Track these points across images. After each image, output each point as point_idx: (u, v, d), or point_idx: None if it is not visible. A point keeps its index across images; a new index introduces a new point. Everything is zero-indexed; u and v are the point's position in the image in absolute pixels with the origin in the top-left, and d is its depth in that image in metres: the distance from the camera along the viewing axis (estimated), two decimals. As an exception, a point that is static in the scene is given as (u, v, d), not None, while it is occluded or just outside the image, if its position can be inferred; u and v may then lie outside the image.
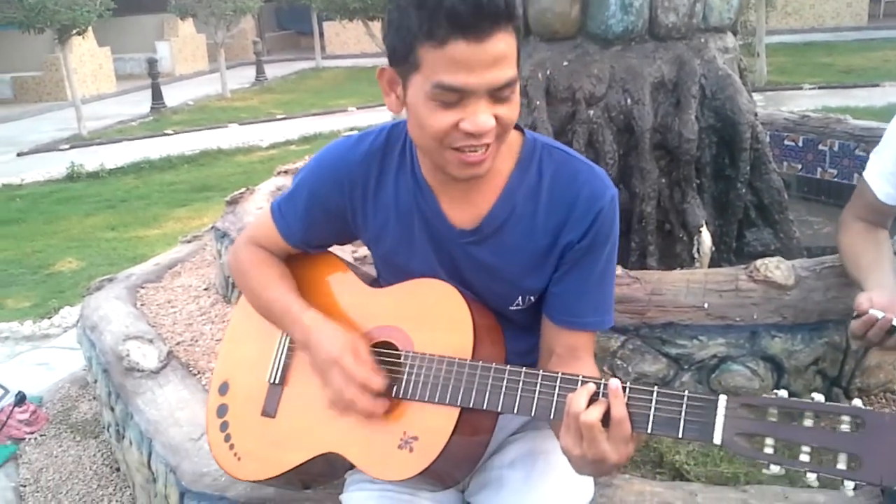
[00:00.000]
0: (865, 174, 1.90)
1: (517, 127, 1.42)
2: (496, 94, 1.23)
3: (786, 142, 4.21)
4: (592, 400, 1.20)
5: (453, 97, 1.21)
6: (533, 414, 1.29)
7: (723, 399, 1.14)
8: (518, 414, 1.31)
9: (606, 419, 1.18)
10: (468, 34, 1.17)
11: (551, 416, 1.27)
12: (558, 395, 1.27)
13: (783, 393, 1.13)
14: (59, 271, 6.02)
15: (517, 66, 1.26)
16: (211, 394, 1.70)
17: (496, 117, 1.24)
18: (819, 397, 1.12)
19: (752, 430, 1.12)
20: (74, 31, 11.74)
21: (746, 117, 2.91)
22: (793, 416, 1.11)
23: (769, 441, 1.10)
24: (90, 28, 12.29)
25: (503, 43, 1.20)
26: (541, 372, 1.29)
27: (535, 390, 1.29)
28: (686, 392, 1.17)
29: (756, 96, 3.40)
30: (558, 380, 1.28)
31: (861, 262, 1.85)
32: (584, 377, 1.26)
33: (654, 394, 1.19)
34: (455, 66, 1.19)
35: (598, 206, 1.37)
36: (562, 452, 1.38)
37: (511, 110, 1.26)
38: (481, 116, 1.22)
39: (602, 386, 1.22)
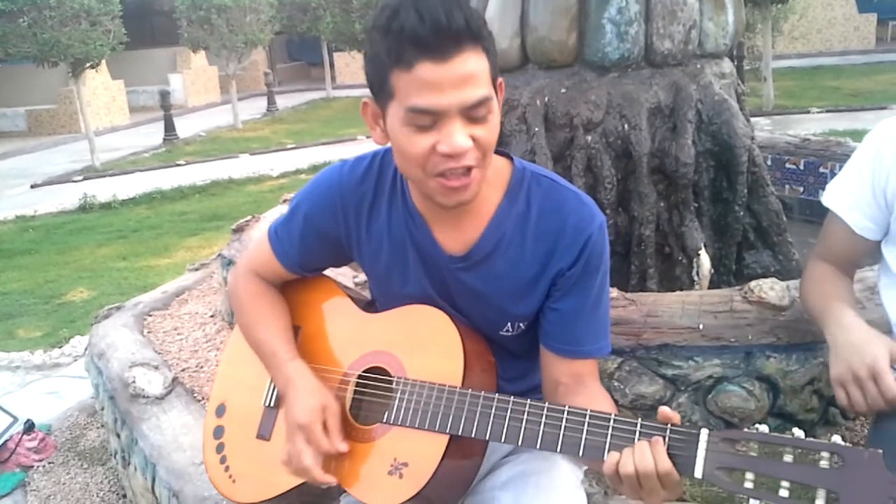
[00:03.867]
0: (834, 209, 1.71)
1: (507, 155, 1.45)
2: (470, 115, 1.24)
3: (787, 165, 4.24)
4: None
5: (427, 119, 1.23)
6: (520, 443, 1.30)
7: (704, 433, 1.16)
8: (505, 442, 1.32)
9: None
10: (433, 55, 1.19)
11: (537, 446, 1.28)
12: (545, 423, 1.28)
13: (764, 428, 1.15)
14: (70, 301, 6.08)
15: (494, 86, 1.28)
16: (208, 416, 1.72)
17: (473, 139, 1.25)
18: (799, 433, 1.14)
19: (732, 464, 1.13)
20: (88, 65, 11.91)
21: (743, 141, 2.95)
22: (773, 451, 1.12)
23: (749, 475, 1.12)
24: (103, 61, 12.49)
25: (471, 62, 1.22)
26: (528, 402, 1.31)
27: (522, 419, 1.30)
28: (669, 426, 1.18)
29: (763, 120, 3.44)
30: (545, 409, 1.29)
31: (827, 291, 1.70)
32: (570, 408, 1.27)
33: (638, 426, 1.20)
34: (424, 88, 1.21)
35: (587, 234, 1.38)
36: (558, 476, 1.41)
37: (488, 131, 1.27)
38: (456, 137, 1.23)
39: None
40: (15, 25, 11.26)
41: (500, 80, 1.32)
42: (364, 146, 12.32)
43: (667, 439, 1.18)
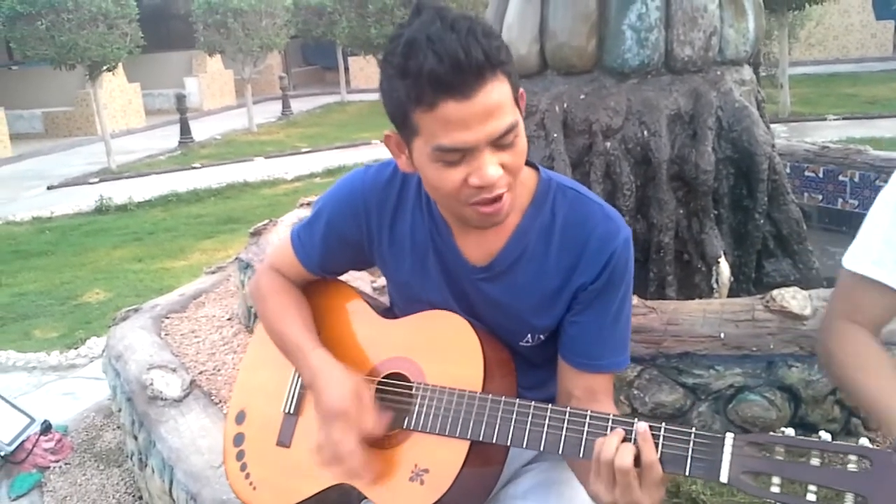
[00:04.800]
0: (859, 269, 1.48)
1: (533, 165, 1.44)
2: (498, 143, 1.22)
3: (806, 173, 4.22)
4: (623, 443, 1.20)
5: (455, 156, 1.21)
6: (542, 448, 1.29)
7: (729, 437, 1.14)
8: (527, 448, 1.31)
9: (636, 463, 1.18)
10: (455, 93, 1.16)
11: (560, 451, 1.27)
12: (567, 429, 1.27)
13: (790, 431, 1.13)
14: (86, 302, 6.11)
15: (518, 106, 1.26)
16: (228, 422, 1.72)
17: (503, 166, 1.23)
18: (826, 436, 1.12)
19: (758, 468, 1.12)
20: (105, 68, 11.97)
21: (763, 148, 2.93)
22: (800, 454, 1.11)
23: (776, 479, 1.10)
24: (120, 64, 12.56)
25: (494, 92, 1.19)
26: (550, 406, 1.30)
27: (544, 424, 1.29)
28: (693, 430, 1.17)
29: (780, 127, 3.43)
30: (567, 414, 1.28)
31: (885, 383, 1.42)
32: (592, 412, 1.26)
33: (662, 430, 1.19)
34: (450, 127, 1.18)
35: (611, 248, 1.36)
36: (580, 487, 1.39)
37: (516, 155, 1.25)
38: (488, 169, 1.21)
39: (625, 428, 1.21)
40: (33, 28, 11.35)
41: (520, 91, 1.29)
42: (379, 150, 12.35)
43: (691, 443, 1.17)
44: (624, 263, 1.39)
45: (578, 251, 1.38)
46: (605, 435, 1.23)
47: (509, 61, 1.23)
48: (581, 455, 1.26)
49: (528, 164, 1.44)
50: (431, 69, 1.15)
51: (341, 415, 1.40)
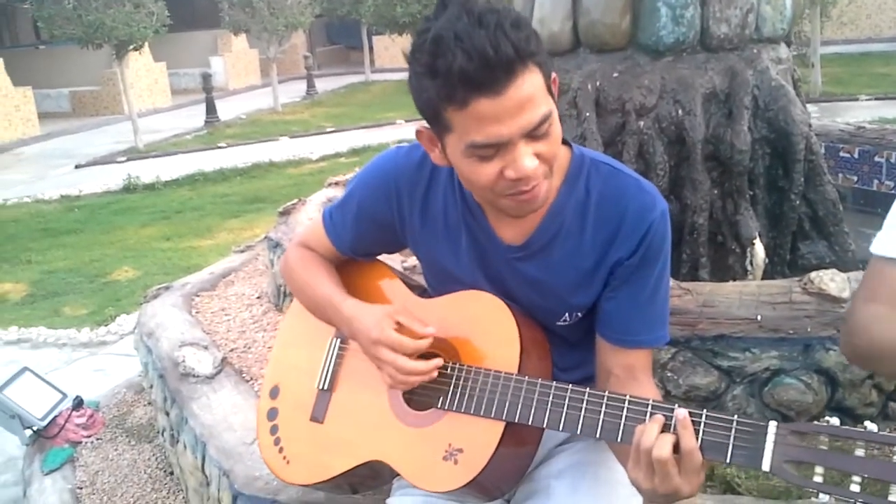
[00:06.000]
0: (888, 252, 1.38)
1: (566, 142, 1.41)
2: (533, 134, 1.20)
3: (841, 153, 4.15)
4: (663, 432, 1.19)
5: (490, 151, 1.20)
6: (579, 431, 1.28)
7: (772, 425, 1.13)
8: (563, 430, 1.31)
9: (675, 450, 1.17)
10: (486, 90, 1.15)
11: (597, 435, 1.26)
12: (605, 413, 1.26)
13: (835, 420, 1.12)
14: (115, 280, 6.17)
15: (551, 93, 1.23)
16: (262, 397, 1.73)
17: (539, 155, 1.22)
18: (872, 426, 1.10)
19: (801, 457, 1.10)
20: (131, 47, 12.05)
21: (800, 128, 2.88)
22: (844, 445, 1.09)
23: (819, 469, 1.09)
24: (146, 44, 12.61)
25: (526, 85, 1.17)
26: (587, 389, 1.29)
27: (581, 407, 1.28)
28: (735, 417, 1.15)
29: (811, 107, 3.37)
30: (605, 398, 1.27)
31: None
32: (631, 397, 1.25)
33: (703, 417, 1.18)
34: (483, 123, 1.17)
35: (648, 222, 1.35)
36: (615, 467, 1.38)
37: (551, 144, 1.24)
38: (524, 161, 1.20)
39: (664, 414, 1.20)
40: (60, 7, 11.43)
41: (553, 76, 1.27)
42: (403, 130, 12.34)
43: (733, 431, 1.15)
44: (661, 237, 1.37)
45: (615, 226, 1.36)
46: (644, 421, 1.22)
47: (540, 51, 1.20)
48: (620, 440, 1.25)
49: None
50: (461, 68, 1.13)
51: (380, 341, 1.41)
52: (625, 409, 1.25)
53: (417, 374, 1.39)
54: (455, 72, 1.14)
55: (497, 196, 1.27)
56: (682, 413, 1.18)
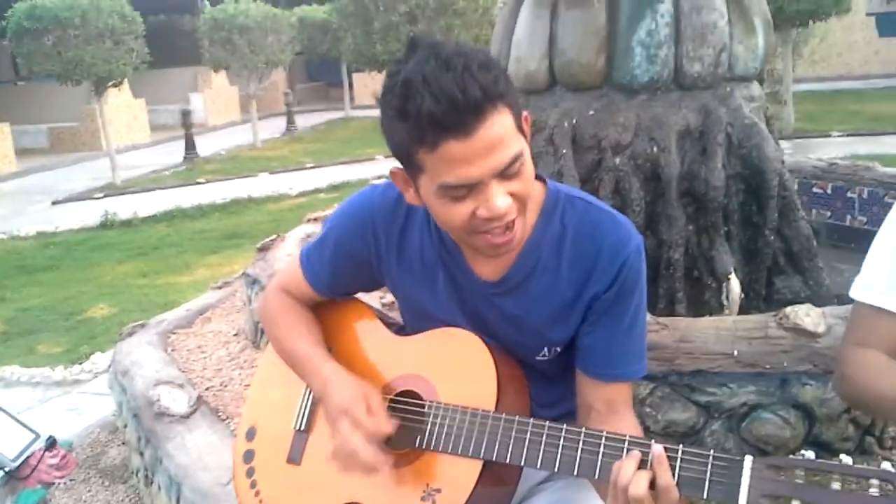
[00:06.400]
0: (868, 299, 1.45)
1: (540, 178, 1.42)
2: (504, 174, 1.21)
3: (814, 189, 4.21)
4: (639, 469, 1.19)
5: (462, 192, 1.21)
6: (557, 469, 1.27)
7: (748, 459, 1.13)
8: (541, 468, 1.30)
9: (652, 486, 1.17)
10: (455, 132, 1.16)
11: (575, 472, 1.26)
12: (581, 449, 1.25)
13: (810, 454, 1.12)
14: (90, 317, 6.09)
15: (522, 132, 1.24)
16: (238, 439, 1.71)
17: (512, 194, 1.23)
18: (847, 459, 1.11)
19: (778, 491, 1.10)
20: (111, 84, 12.02)
21: (773, 165, 2.93)
22: (821, 478, 1.10)
23: (795, 503, 1.09)
24: (126, 80, 12.61)
25: (495, 126, 1.18)
26: (564, 426, 1.28)
27: (558, 444, 1.28)
28: (711, 452, 1.16)
29: (784, 144, 3.42)
30: (582, 434, 1.26)
31: None
32: (608, 433, 1.24)
33: (679, 452, 1.18)
34: (453, 165, 1.18)
35: (623, 256, 1.36)
36: (594, 502, 1.37)
37: (524, 183, 1.25)
38: (495, 200, 1.21)
39: (641, 450, 1.20)
40: (39, 43, 11.39)
41: (524, 114, 1.28)
42: (381, 166, 12.36)
43: (709, 466, 1.15)
44: (636, 271, 1.38)
45: (591, 261, 1.37)
46: (621, 457, 1.22)
47: (509, 91, 1.22)
48: (597, 476, 1.25)
49: (535, 177, 1.43)
50: (430, 111, 1.15)
51: (347, 412, 1.39)
52: (601, 446, 1.24)
53: (364, 459, 1.37)
54: (424, 115, 1.15)
55: (471, 235, 1.28)
56: (657, 449, 1.18)
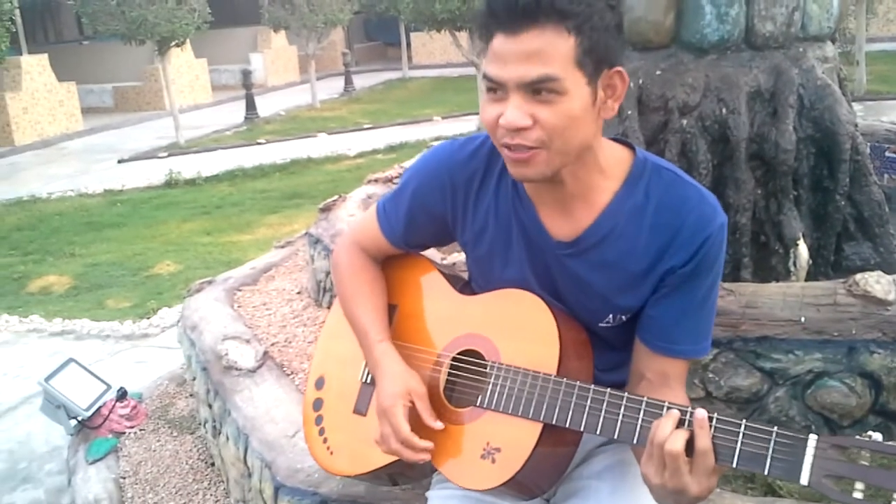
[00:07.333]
0: None
1: (629, 145, 1.42)
2: (533, 91, 1.22)
3: (887, 153, 4.07)
4: (678, 429, 1.19)
5: (494, 90, 1.26)
6: (616, 436, 1.28)
7: (813, 438, 1.11)
8: (601, 435, 1.30)
9: (690, 449, 1.17)
10: (504, 28, 1.22)
11: (634, 441, 1.26)
12: (642, 419, 1.25)
13: (877, 436, 1.10)
14: (157, 274, 6.26)
15: (581, 70, 1.22)
16: (308, 386, 1.76)
17: (536, 119, 1.22)
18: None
19: (841, 472, 1.08)
20: (173, 44, 12.20)
21: (846, 128, 2.83)
22: (887, 461, 1.08)
23: (859, 486, 1.07)
24: (188, 40, 12.76)
25: (543, 38, 1.20)
26: (626, 394, 1.28)
27: (619, 413, 1.27)
28: (775, 428, 1.14)
29: (856, 106, 3.31)
30: (643, 404, 1.26)
31: None
32: (669, 403, 1.24)
33: (742, 427, 1.16)
34: (494, 58, 1.24)
35: (706, 233, 1.33)
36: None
37: (553, 115, 1.23)
38: (511, 111, 1.23)
39: (688, 415, 1.20)
40: (103, 3, 11.60)
41: (617, 67, 1.27)
42: (440, 127, 12.35)
43: (772, 442, 1.14)
44: (717, 249, 1.36)
45: (671, 234, 1.35)
46: (682, 427, 1.21)
47: (588, 22, 1.21)
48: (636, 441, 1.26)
49: (623, 143, 1.42)
50: (490, 2, 1.23)
51: (386, 412, 1.46)
52: (663, 415, 1.23)
53: (405, 454, 1.45)
54: (487, 6, 1.24)
55: (497, 143, 1.31)
56: (700, 413, 1.18)
